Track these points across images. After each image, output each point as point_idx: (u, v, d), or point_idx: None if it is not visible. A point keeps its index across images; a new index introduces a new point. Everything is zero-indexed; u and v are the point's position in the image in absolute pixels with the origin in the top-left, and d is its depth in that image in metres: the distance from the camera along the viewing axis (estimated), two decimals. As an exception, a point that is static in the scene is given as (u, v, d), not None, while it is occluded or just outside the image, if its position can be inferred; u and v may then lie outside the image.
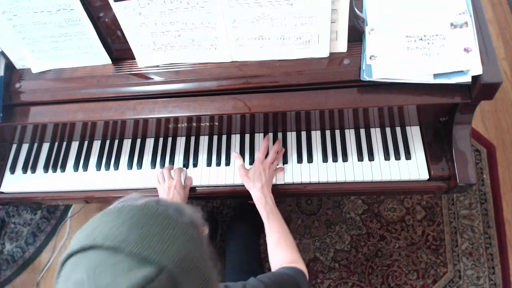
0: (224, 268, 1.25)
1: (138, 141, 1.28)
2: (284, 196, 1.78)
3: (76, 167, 1.27)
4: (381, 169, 1.13)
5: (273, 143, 1.20)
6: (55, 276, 0.48)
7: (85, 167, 1.26)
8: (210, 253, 0.56)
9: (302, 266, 0.91)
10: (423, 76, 0.95)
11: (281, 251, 0.95)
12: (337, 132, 1.20)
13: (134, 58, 1.09)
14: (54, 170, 1.28)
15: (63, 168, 1.27)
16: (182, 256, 0.46)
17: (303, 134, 1.21)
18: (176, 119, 1.17)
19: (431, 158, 1.12)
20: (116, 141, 1.29)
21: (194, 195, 1.21)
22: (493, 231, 1.71)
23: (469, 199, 1.77)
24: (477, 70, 0.92)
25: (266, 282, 0.79)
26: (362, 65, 0.99)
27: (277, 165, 1.16)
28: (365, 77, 0.98)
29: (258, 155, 1.13)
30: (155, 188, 1.17)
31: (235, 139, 1.24)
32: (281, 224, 1.00)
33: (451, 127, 1.07)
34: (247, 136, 1.24)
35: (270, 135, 1.22)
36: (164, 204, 0.53)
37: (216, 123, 1.18)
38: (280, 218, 1.02)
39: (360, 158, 1.15)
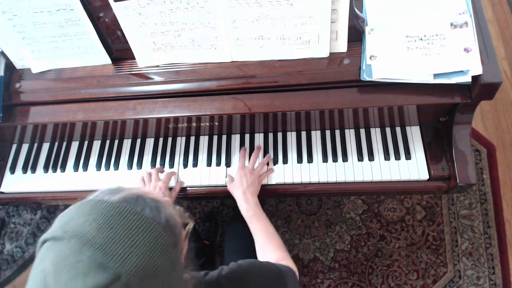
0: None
1: (138, 141, 1.28)
2: (284, 196, 1.79)
3: (76, 167, 1.27)
4: (381, 169, 1.13)
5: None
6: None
7: (85, 167, 1.26)
8: (186, 253, 0.58)
9: (290, 263, 0.91)
10: (423, 76, 0.95)
11: (269, 252, 0.96)
12: (337, 132, 1.20)
13: (134, 58, 1.09)
14: (54, 170, 1.28)
15: (63, 168, 1.27)
16: (143, 265, 0.47)
17: (303, 134, 1.21)
18: (176, 119, 1.17)
19: (431, 158, 1.12)
20: (116, 141, 1.29)
21: (194, 195, 1.21)
22: (493, 231, 1.71)
23: (469, 199, 1.77)
24: (477, 70, 0.92)
25: (242, 264, 0.80)
26: (362, 65, 0.99)
27: (267, 166, 1.16)
28: (365, 77, 0.98)
29: (238, 164, 1.15)
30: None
31: (235, 139, 1.24)
32: (265, 226, 1.01)
33: (451, 127, 1.07)
34: (247, 136, 1.24)
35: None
36: (142, 203, 0.54)
37: (216, 123, 1.18)
38: (265, 220, 1.03)
39: (360, 158, 1.15)
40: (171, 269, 0.52)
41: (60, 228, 0.49)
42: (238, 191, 1.08)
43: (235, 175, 1.14)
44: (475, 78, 0.93)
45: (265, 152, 1.20)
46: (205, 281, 0.75)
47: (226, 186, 1.16)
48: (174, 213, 0.58)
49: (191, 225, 0.65)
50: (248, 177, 1.10)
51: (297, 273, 0.89)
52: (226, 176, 1.18)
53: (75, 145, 1.30)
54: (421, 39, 0.97)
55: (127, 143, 1.28)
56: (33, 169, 1.29)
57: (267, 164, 1.18)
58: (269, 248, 0.97)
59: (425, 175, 1.11)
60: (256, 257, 1.23)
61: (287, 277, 0.83)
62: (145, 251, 0.49)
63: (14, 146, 1.33)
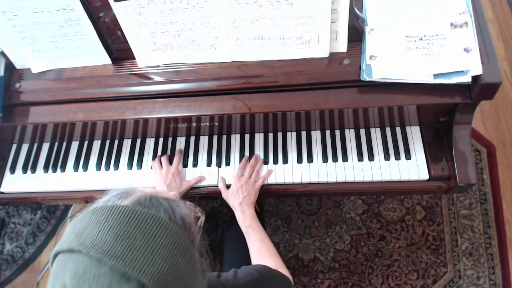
0: (223, 268, 1.25)
1: (138, 141, 1.28)
2: (284, 196, 1.79)
3: (76, 167, 1.27)
4: (381, 169, 1.13)
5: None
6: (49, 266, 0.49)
7: (85, 167, 1.26)
8: (201, 248, 0.57)
9: (286, 272, 0.92)
10: (423, 76, 0.95)
11: (265, 259, 0.97)
12: (337, 132, 1.20)
13: (134, 58, 1.09)
14: (54, 170, 1.28)
15: (63, 168, 1.27)
16: (165, 269, 0.46)
17: (303, 134, 1.21)
18: (176, 119, 1.17)
19: (431, 158, 1.12)
20: (116, 141, 1.29)
21: (194, 195, 1.21)
22: (493, 231, 1.71)
23: (469, 199, 1.77)
24: (477, 70, 0.92)
25: (259, 270, 0.80)
26: (362, 65, 0.99)
27: (260, 174, 1.17)
28: (365, 77, 0.98)
29: (236, 173, 1.16)
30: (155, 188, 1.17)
31: (235, 139, 1.24)
32: (261, 236, 1.03)
33: (451, 127, 1.07)
34: (247, 136, 1.24)
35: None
36: (156, 204, 0.53)
37: (216, 123, 1.18)
38: (261, 231, 1.05)
39: (360, 158, 1.15)
40: (191, 268, 0.51)
41: (76, 239, 0.47)
42: (235, 203, 1.09)
43: (232, 185, 1.14)
44: (475, 78, 0.93)
45: (265, 152, 1.20)
46: (220, 283, 0.75)
47: (226, 186, 1.16)
48: (187, 209, 0.58)
49: (202, 218, 0.64)
50: (244, 189, 1.11)
51: (292, 281, 0.91)
52: (219, 181, 1.17)
53: (75, 145, 1.30)
54: (421, 39, 0.97)
55: (127, 143, 1.28)
56: (33, 169, 1.29)
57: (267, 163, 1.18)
58: (264, 255, 0.98)
59: (425, 175, 1.11)
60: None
61: (292, 285, 0.85)
62: (166, 255, 0.47)
63: (14, 146, 1.33)
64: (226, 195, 1.13)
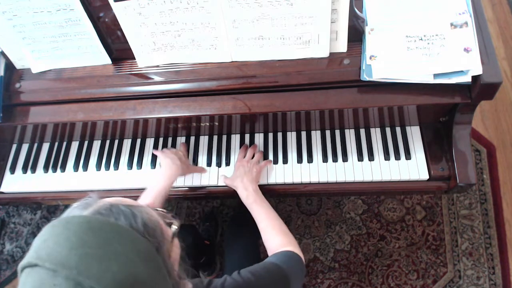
0: (224, 268, 1.25)
1: (138, 141, 1.28)
2: (284, 196, 1.79)
3: (76, 167, 1.27)
4: (381, 169, 1.13)
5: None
6: None
7: (85, 167, 1.26)
8: (173, 254, 0.56)
9: (294, 247, 0.90)
10: (423, 76, 0.95)
11: (272, 236, 0.96)
12: (337, 132, 1.20)
13: (134, 58, 1.09)
14: (54, 170, 1.28)
15: (63, 168, 1.27)
16: (121, 276, 0.46)
17: (303, 134, 1.21)
18: (176, 119, 1.17)
19: (431, 158, 1.12)
20: (116, 141, 1.29)
21: (194, 195, 1.21)
22: (493, 231, 1.71)
23: (469, 199, 1.77)
24: (477, 70, 0.92)
25: (246, 277, 0.77)
26: (362, 65, 0.99)
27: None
28: (365, 77, 0.98)
29: (237, 157, 1.18)
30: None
31: (235, 139, 1.24)
32: (267, 211, 1.01)
33: (451, 127, 1.07)
34: (247, 136, 1.24)
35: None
36: (116, 211, 0.52)
37: (216, 123, 1.18)
38: (266, 205, 1.03)
39: (360, 158, 1.15)
40: (155, 274, 0.50)
41: (35, 253, 0.48)
42: (237, 180, 1.09)
43: (234, 167, 1.15)
44: (475, 78, 0.93)
45: (265, 152, 1.20)
46: None
47: (226, 186, 1.16)
48: (154, 216, 0.57)
49: (176, 224, 0.63)
50: (245, 166, 1.12)
51: (302, 257, 0.88)
52: (218, 181, 1.18)
53: (75, 145, 1.30)
54: (421, 39, 0.97)
55: (127, 143, 1.28)
56: (33, 169, 1.29)
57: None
58: (272, 232, 0.96)
59: (425, 175, 1.11)
60: (255, 257, 1.24)
61: (290, 276, 0.82)
62: (124, 261, 0.47)
63: (14, 146, 1.33)
64: (228, 180, 1.13)
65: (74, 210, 0.54)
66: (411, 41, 0.97)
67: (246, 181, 1.08)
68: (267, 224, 0.98)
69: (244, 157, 1.17)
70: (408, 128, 1.17)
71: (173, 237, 0.60)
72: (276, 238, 0.95)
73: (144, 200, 1.03)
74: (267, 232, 0.97)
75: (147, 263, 0.49)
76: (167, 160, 1.13)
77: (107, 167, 1.25)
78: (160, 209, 0.63)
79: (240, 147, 1.22)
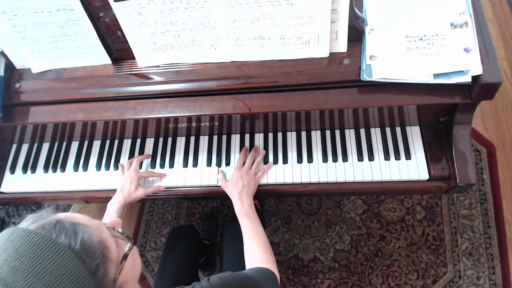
0: (223, 268, 1.25)
1: (138, 141, 1.28)
2: (284, 196, 1.79)
3: (76, 167, 1.27)
4: (381, 169, 1.13)
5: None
6: None
7: (85, 167, 1.26)
8: (115, 278, 0.55)
9: (271, 266, 0.91)
10: (423, 76, 0.95)
11: (254, 251, 0.96)
12: (337, 132, 1.20)
13: (134, 58, 1.09)
14: (54, 170, 1.28)
15: (63, 168, 1.27)
16: None
17: (303, 134, 1.21)
18: (176, 119, 1.17)
19: (431, 158, 1.12)
20: (116, 141, 1.29)
21: (194, 195, 1.21)
22: (493, 231, 1.71)
23: (469, 199, 1.77)
24: (477, 70, 0.92)
25: (215, 283, 0.77)
26: (362, 65, 0.99)
27: (262, 165, 1.17)
28: (365, 77, 0.98)
29: (237, 163, 1.16)
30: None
31: (235, 139, 1.24)
32: (255, 226, 1.02)
33: (451, 127, 1.07)
34: (247, 136, 1.24)
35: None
36: (59, 228, 0.52)
37: (216, 123, 1.18)
38: (257, 222, 1.04)
39: (360, 158, 1.15)
40: None
41: None
42: (234, 192, 1.09)
43: (232, 175, 1.14)
44: (475, 78, 0.93)
45: (265, 152, 1.20)
46: None
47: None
48: (99, 235, 0.55)
49: (129, 246, 0.61)
50: (244, 179, 1.11)
51: (278, 276, 0.89)
52: (218, 173, 1.18)
53: (75, 145, 1.30)
54: (421, 39, 0.97)
55: (127, 143, 1.28)
56: (33, 169, 1.29)
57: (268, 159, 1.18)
58: (255, 247, 0.97)
59: (425, 175, 1.11)
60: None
61: (262, 284, 0.82)
62: (50, 280, 0.47)
63: (14, 146, 1.34)
64: (225, 185, 1.13)
65: (25, 222, 0.54)
66: (411, 41, 0.97)
67: (243, 194, 1.08)
68: (252, 238, 0.99)
69: (244, 163, 1.16)
70: (408, 128, 1.17)
71: (123, 259, 0.59)
72: (256, 253, 0.95)
73: (110, 216, 1.05)
74: (250, 246, 0.98)
75: (78, 285, 0.49)
76: (122, 183, 1.14)
77: (107, 167, 1.25)
78: (117, 229, 0.63)
79: (240, 147, 1.21)
